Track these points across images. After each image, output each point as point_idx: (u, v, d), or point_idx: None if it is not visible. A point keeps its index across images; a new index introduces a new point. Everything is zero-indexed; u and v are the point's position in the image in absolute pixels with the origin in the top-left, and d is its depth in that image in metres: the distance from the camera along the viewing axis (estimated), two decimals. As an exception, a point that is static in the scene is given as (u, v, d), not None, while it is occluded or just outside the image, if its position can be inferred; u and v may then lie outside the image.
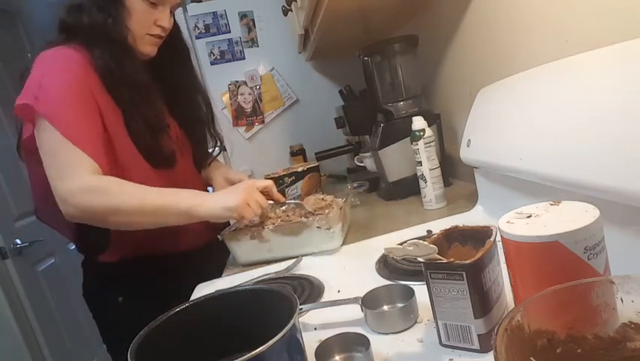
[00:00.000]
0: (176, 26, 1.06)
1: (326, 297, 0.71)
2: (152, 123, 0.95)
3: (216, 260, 1.09)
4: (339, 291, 0.72)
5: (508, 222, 0.44)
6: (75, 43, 0.90)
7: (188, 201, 0.88)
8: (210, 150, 1.21)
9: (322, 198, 1.08)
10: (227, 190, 0.97)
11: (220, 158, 2.13)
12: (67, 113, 0.84)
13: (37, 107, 0.82)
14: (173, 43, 1.06)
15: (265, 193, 0.95)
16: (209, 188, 1.21)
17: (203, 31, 2.03)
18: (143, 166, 0.94)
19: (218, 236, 0.99)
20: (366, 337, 0.50)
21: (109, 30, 0.90)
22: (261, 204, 0.91)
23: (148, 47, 0.98)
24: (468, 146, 0.87)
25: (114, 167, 0.90)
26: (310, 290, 0.74)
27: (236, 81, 2.08)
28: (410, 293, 0.57)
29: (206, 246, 1.11)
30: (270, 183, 0.97)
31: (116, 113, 0.91)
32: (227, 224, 1.11)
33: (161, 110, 1.01)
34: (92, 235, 0.95)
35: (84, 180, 0.82)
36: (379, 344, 0.52)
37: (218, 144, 1.21)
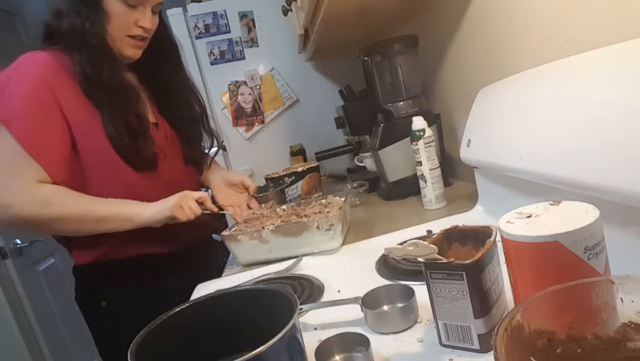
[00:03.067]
0: (163, 25, 1.04)
1: (326, 297, 0.71)
2: (132, 126, 0.94)
3: (205, 261, 1.08)
4: (339, 291, 0.72)
5: (508, 222, 0.44)
6: (55, 48, 0.90)
7: (130, 210, 0.91)
8: (208, 150, 1.20)
9: (249, 204, 1.12)
10: (164, 199, 0.96)
11: (220, 158, 2.14)
12: (24, 119, 0.85)
13: None
14: (161, 43, 1.05)
15: (201, 203, 0.97)
16: (204, 189, 1.19)
17: (203, 31, 2.03)
18: (123, 168, 0.93)
19: (213, 235, 0.99)
20: (366, 337, 0.50)
21: (86, 34, 0.88)
22: (194, 210, 0.94)
23: (130, 50, 0.96)
24: (468, 146, 0.87)
25: (88, 171, 0.91)
26: (310, 290, 0.74)
27: (236, 81, 2.08)
28: (410, 293, 0.57)
29: (195, 246, 1.09)
30: (204, 194, 1.00)
31: (94, 117, 0.91)
32: (224, 224, 1.11)
33: (143, 112, 0.99)
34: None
35: (26, 191, 0.84)
36: (379, 344, 0.52)
37: (216, 142, 1.20)
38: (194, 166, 1.15)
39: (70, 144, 0.90)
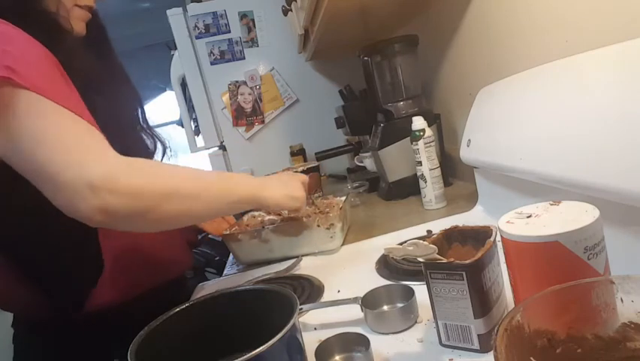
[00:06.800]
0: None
1: (326, 297, 0.71)
2: (121, 118, 0.78)
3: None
4: (339, 291, 0.72)
5: (508, 222, 0.44)
6: None
7: (250, 184, 0.75)
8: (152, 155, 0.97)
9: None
10: (279, 177, 0.84)
11: (220, 158, 2.14)
12: (57, 83, 0.62)
13: (18, 78, 0.54)
14: (96, 23, 0.84)
15: None
16: None
17: (203, 31, 2.03)
18: None
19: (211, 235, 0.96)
20: (366, 337, 0.50)
21: (33, 2, 0.68)
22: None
23: (79, 24, 0.77)
24: (468, 146, 0.87)
25: None
26: (310, 290, 0.74)
27: (236, 81, 2.08)
28: (410, 293, 0.57)
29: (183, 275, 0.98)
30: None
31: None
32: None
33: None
34: (69, 282, 0.74)
35: (120, 160, 0.59)
36: (379, 344, 0.52)
37: (160, 147, 0.96)
38: None
39: None
